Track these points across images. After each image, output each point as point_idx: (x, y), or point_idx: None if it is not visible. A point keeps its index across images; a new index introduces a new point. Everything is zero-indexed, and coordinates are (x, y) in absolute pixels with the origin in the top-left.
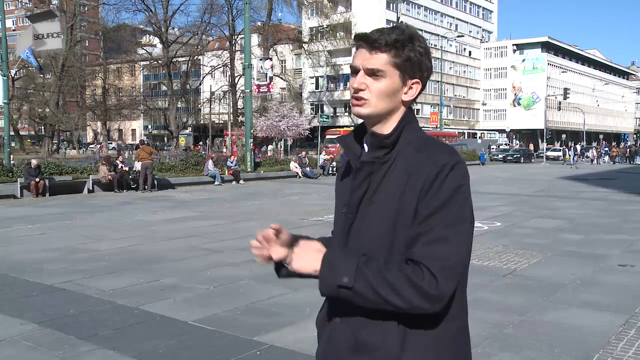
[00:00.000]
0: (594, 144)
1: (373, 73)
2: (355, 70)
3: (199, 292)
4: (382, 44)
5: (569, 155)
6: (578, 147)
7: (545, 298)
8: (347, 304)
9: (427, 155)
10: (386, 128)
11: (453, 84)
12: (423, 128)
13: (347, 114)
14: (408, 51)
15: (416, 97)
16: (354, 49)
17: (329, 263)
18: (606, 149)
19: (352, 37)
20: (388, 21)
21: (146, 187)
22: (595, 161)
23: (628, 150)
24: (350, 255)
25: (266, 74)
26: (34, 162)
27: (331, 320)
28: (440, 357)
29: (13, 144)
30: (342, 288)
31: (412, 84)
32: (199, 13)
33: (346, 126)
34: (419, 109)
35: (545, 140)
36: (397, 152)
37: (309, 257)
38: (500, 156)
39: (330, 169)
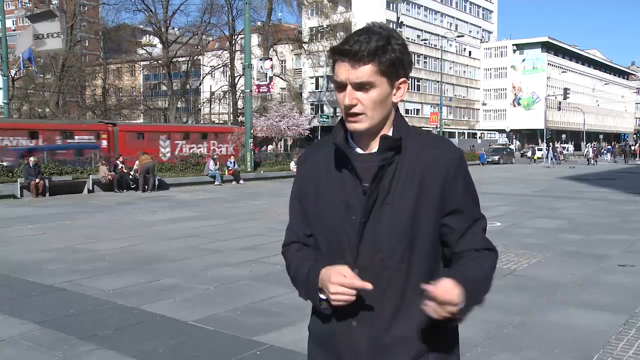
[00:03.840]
0: (594, 143)
1: (362, 86)
2: (340, 85)
3: (199, 292)
4: (365, 55)
5: (538, 156)
6: (593, 146)
7: (546, 298)
8: (371, 305)
9: (438, 149)
10: (384, 130)
11: (453, 84)
12: (423, 128)
13: None
14: (389, 54)
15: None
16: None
17: (471, 293)
18: (609, 147)
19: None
20: (388, 21)
21: (147, 187)
22: (592, 161)
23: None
24: (470, 276)
25: (266, 74)
26: (32, 159)
27: (342, 324)
28: (450, 336)
29: None
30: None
31: (400, 84)
32: (199, 13)
33: None
34: (418, 109)
35: (545, 140)
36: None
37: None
38: None
39: None
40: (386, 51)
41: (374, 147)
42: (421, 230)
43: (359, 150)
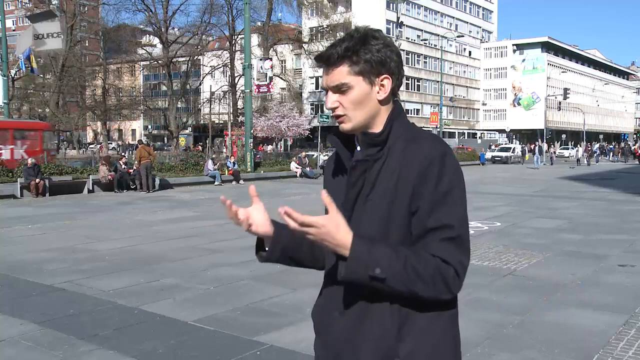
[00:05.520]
0: (592, 143)
1: (339, 89)
2: (325, 91)
3: (199, 292)
4: (336, 57)
5: (529, 156)
6: (587, 146)
7: (545, 298)
8: (345, 296)
9: (418, 146)
10: (375, 128)
11: (453, 84)
12: (423, 128)
13: None
14: (363, 54)
15: (393, 91)
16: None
17: (360, 249)
18: (610, 146)
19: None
20: (388, 21)
21: (147, 187)
22: (582, 162)
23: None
24: (379, 244)
25: (266, 74)
26: (29, 160)
27: (329, 313)
28: (435, 340)
29: None
30: (373, 279)
31: (382, 80)
32: (199, 13)
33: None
34: (418, 109)
35: (545, 140)
36: (389, 147)
37: (341, 232)
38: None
39: None
40: (358, 51)
41: None
42: (394, 227)
43: (358, 149)
